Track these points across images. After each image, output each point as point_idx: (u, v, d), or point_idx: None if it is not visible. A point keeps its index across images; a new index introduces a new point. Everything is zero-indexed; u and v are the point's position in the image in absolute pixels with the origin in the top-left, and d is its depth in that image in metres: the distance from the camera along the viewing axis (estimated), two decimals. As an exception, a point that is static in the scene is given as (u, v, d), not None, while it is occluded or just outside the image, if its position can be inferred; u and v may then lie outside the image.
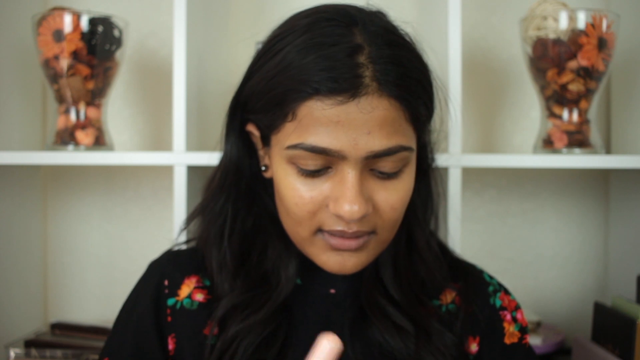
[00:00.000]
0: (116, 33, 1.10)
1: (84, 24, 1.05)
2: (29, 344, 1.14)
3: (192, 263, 0.76)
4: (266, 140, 0.69)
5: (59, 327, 1.21)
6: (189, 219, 0.80)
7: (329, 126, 0.60)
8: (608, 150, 1.25)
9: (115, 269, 1.32)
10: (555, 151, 1.04)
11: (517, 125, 1.29)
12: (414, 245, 0.76)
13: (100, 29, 1.07)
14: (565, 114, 1.04)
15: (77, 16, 1.04)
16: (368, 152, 0.61)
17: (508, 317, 0.77)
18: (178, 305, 0.73)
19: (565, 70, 1.02)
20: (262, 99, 0.65)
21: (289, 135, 0.62)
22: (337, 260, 0.66)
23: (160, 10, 1.31)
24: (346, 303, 0.73)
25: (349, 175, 0.62)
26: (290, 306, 0.72)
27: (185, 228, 0.82)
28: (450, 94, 0.94)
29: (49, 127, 1.18)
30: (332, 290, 0.74)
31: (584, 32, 1.00)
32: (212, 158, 0.82)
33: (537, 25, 1.03)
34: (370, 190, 0.64)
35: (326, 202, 0.63)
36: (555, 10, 1.02)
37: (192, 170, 1.04)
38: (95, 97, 1.09)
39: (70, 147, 1.07)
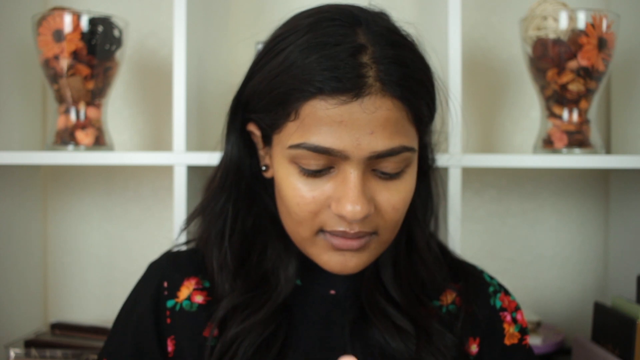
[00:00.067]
0: (116, 33, 1.10)
1: (84, 24, 1.05)
2: (29, 344, 1.14)
3: (192, 264, 0.76)
4: (267, 140, 0.68)
5: (59, 327, 1.21)
6: (189, 219, 0.80)
7: (332, 126, 0.60)
8: (608, 150, 1.25)
9: (115, 269, 1.31)
10: (555, 151, 1.04)
11: (517, 125, 1.29)
12: (414, 246, 0.75)
13: (100, 29, 1.07)
14: (565, 114, 1.04)
15: (77, 16, 1.04)
16: (371, 152, 0.61)
17: (508, 318, 0.77)
18: (177, 307, 0.73)
19: (565, 70, 1.02)
20: (264, 99, 0.65)
21: (291, 134, 0.62)
22: (338, 260, 0.66)
23: (160, 10, 1.31)
24: (346, 304, 0.73)
25: (352, 175, 0.62)
26: (290, 307, 0.72)
27: (185, 228, 0.81)
28: (450, 94, 0.94)
29: (49, 127, 1.18)
30: (332, 291, 0.74)
31: (584, 32, 1.00)
32: (212, 158, 0.82)
33: (537, 25, 1.03)
34: (372, 190, 0.63)
35: (328, 202, 0.63)
36: (555, 10, 1.02)
37: (192, 170, 1.04)
38: (95, 97, 1.09)
39: (70, 147, 1.07)
